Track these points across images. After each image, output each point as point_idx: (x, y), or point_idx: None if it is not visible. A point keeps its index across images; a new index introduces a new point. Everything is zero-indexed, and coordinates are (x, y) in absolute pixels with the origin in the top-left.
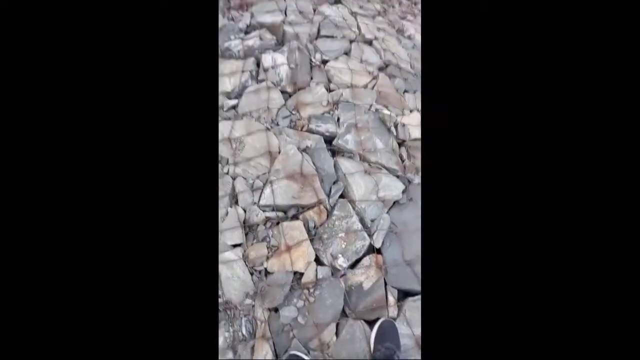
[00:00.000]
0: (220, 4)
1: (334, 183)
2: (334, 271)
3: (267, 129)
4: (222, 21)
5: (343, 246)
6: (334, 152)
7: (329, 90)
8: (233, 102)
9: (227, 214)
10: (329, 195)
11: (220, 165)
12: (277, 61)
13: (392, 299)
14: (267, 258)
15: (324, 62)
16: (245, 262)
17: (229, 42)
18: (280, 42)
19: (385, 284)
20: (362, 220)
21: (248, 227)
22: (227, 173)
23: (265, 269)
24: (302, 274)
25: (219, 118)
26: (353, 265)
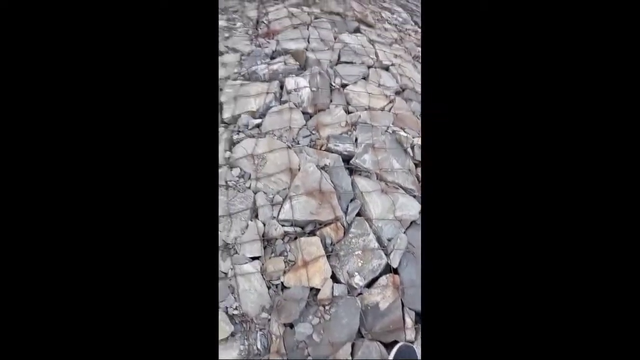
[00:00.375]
0: (249, 32)
1: (351, 201)
2: (350, 289)
3: (288, 147)
4: (249, 47)
5: (359, 264)
6: (352, 171)
7: (348, 112)
8: (257, 121)
9: (247, 226)
10: (346, 213)
11: (242, 180)
12: (299, 84)
13: (409, 321)
14: (284, 272)
15: (344, 86)
16: (262, 275)
17: (256, 66)
18: (303, 67)
19: (403, 305)
20: (378, 239)
21: (267, 241)
22: (249, 187)
23: (282, 283)
24: (318, 290)
25: (244, 135)
26: (369, 285)
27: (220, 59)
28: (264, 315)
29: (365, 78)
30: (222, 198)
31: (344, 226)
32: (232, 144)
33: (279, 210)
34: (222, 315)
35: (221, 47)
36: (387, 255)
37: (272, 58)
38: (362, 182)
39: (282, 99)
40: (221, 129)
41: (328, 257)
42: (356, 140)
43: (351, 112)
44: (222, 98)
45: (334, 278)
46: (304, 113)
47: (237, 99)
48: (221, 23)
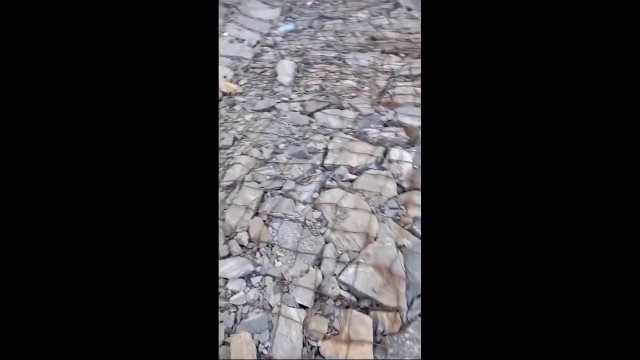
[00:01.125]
0: (373, 97)
1: (419, 296)
2: None
3: (373, 212)
4: (369, 110)
5: None
6: None
7: None
8: (352, 176)
9: (307, 271)
10: (409, 307)
11: (320, 224)
12: (403, 158)
13: None
14: (324, 337)
15: None
16: (303, 329)
17: (369, 128)
18: (411, 143)
19: None
20: None
21: (319, 295)
22: (322, 234)
23: (318, 348)
24: None
25: (336, 184)
26: None
27: (340, 112)
28: None
29: None
30: (295, 232)
31: (402, 321)
32: (323, 187)
33: (342, 271)
34: (252, 348)
35: (344, 103)
36: None
37: (385, 125)
38: None
39: (381, 165)
40: (318, 171)
41: (374, 346)
42: None
43: None
44: (330, 145)
45: None
46: (398, 185)
47: (342, 150)
48: (351, 83)
